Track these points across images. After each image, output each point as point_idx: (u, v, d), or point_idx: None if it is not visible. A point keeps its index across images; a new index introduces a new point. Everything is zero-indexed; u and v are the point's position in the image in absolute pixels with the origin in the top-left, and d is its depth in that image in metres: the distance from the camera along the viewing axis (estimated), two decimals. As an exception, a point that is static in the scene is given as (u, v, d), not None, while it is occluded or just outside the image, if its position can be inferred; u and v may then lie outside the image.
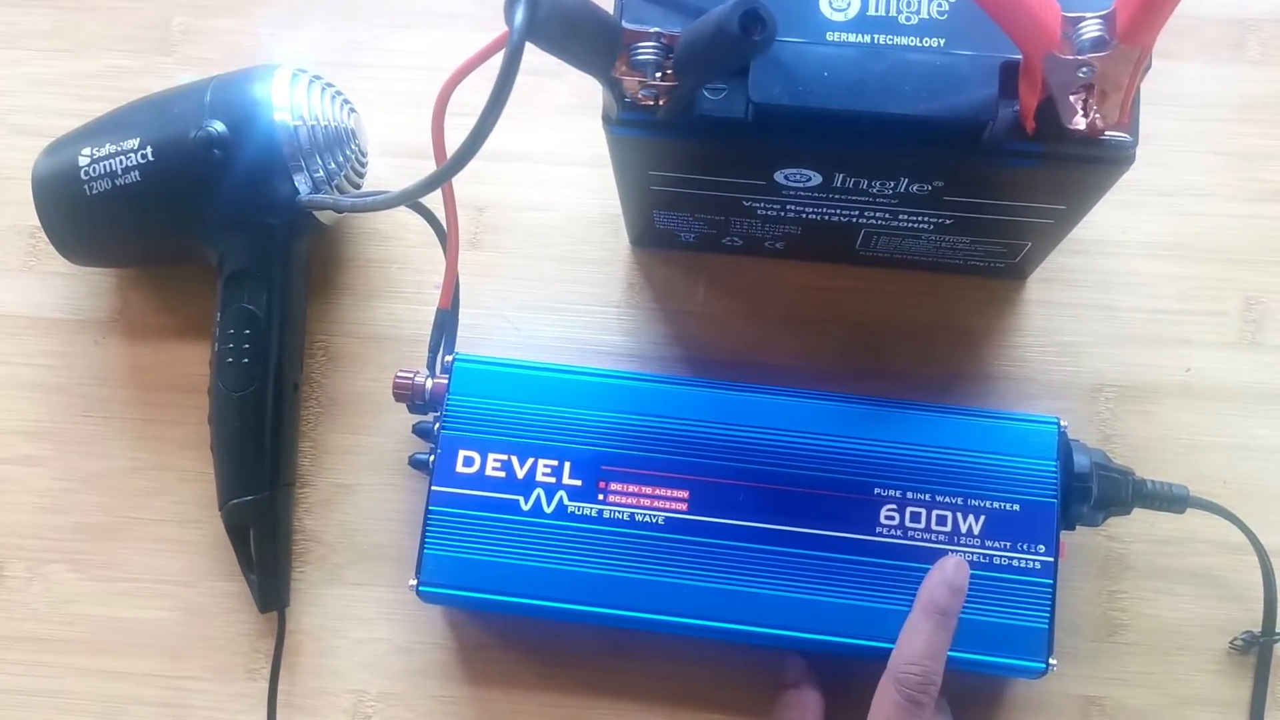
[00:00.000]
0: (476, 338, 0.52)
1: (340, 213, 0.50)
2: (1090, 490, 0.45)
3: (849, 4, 0.38)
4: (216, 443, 0.50)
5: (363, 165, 0.52)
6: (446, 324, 0.49)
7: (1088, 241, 0.52)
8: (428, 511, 0.46)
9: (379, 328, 0.54)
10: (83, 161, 0.48)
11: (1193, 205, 0.53)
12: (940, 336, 0.52)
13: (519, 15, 0.31)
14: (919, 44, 0.37)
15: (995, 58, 0.36)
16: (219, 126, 0.47)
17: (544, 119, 0.55)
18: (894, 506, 0.45)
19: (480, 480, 0.46)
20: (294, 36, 0.57)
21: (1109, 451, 0.48)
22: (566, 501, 0.46)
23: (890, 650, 0.43)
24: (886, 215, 0.44)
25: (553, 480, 0.46)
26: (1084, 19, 0.34)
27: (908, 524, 0.45)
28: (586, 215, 0.54)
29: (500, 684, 0.50)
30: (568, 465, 0.46)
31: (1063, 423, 0.46)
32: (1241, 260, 0.52)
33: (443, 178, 0.37)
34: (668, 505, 0.46)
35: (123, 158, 0.48)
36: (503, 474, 0.46)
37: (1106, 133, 0.37)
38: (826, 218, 0.45)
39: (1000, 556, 0.45)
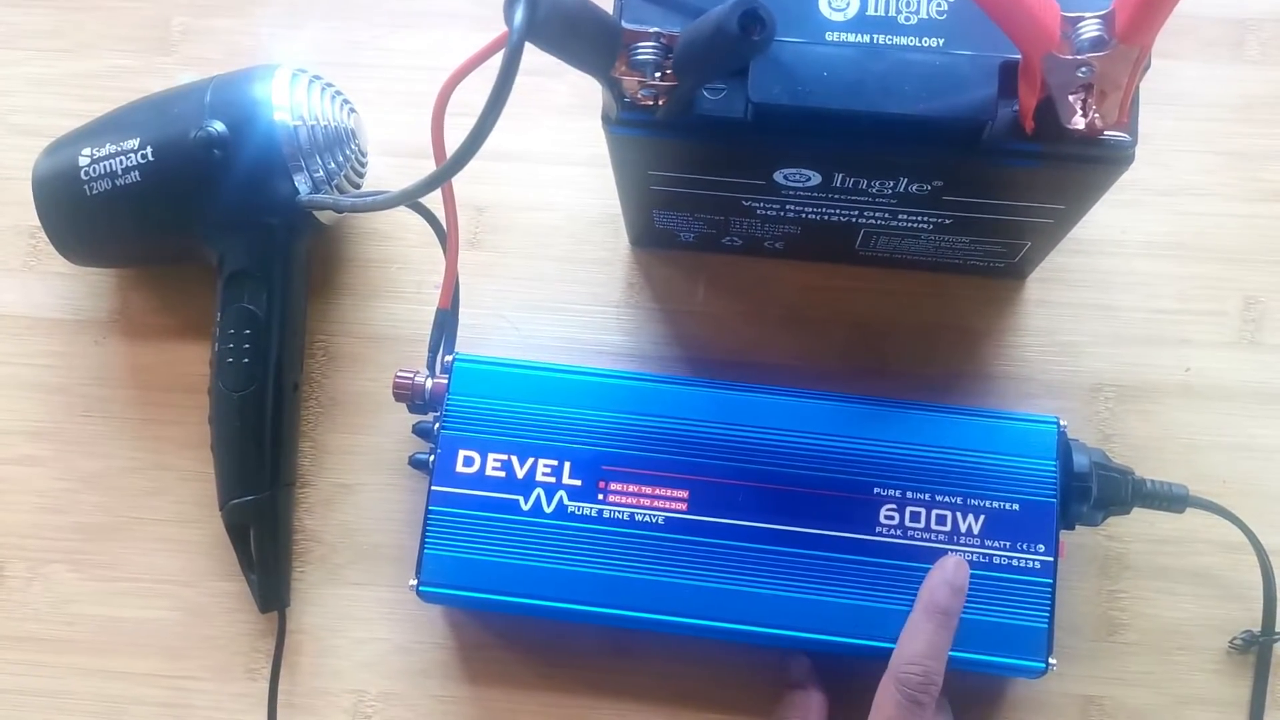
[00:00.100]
0: (476, 338, 0.52)
1: (340, 213, 0.50)
2: (1090, 490, 0.45)
3: (848, 4, 0.38)
4: (217, 443, 0.50)
5: (363, 165, 0.52)
6: (446, 324, 0.49)
7: (1087, 241, 0.52)
8: (428, 511, 0.46)
9: (379, 328, 0.54)
10: (83, 161, 0.48)
11: (1192, 205, 0.53)
12: (940, 336, 0.52)
13: (519, 15, 0.31)
14: (918, 44, 0.37)
15: (994, 57, 0.37)
16: (219, 126, 0.47)
17: (543, 119, 0.55)
18: (894, 506, 0.45)
19: (480, 480, 0.46)
20: (294, 36, 0.57)
21: (1109, 451, 0.48)
22: (566, 501, 0.46)
23: (889, 650, 0.43)
24: (886, 215, 0.44)
25: (553, 480, 0.46)
26: (1083, 19, 0.34)
27: (907, 523, 0.45)
28: (586, 215, 0.54)
29: (500, 684, 0.50)
30: (568, 465, 0.46)
31: (1062, 422, 0.46)
32: (1241, 260, 0.52)
33: (443, 178, 0.37)
34: (668, 505, 0.46)
35: (123, 158, 0.48)
36: (503, 474, 0.46)
37: (1106, 132, 0.37)
38: (826, 217, 0.45)
39: (1000, 556, 0.45)
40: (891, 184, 0.41)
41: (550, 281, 0.54)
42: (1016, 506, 0.45)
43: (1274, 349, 0.52)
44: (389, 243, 0.54)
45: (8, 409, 0.53)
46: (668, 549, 0.45)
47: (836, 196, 0.43)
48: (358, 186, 0.52)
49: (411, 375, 0.48)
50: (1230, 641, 0.49)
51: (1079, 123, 0.36)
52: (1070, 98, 0.35)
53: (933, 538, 0.45)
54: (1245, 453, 0.51)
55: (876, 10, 0.38)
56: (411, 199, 0.39)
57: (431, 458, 0.47)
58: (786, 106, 0.37)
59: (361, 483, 0.52)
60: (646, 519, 0.45)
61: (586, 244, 0.54)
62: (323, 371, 0.53)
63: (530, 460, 0.46)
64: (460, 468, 0.46)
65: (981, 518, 0.45)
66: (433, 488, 0.46)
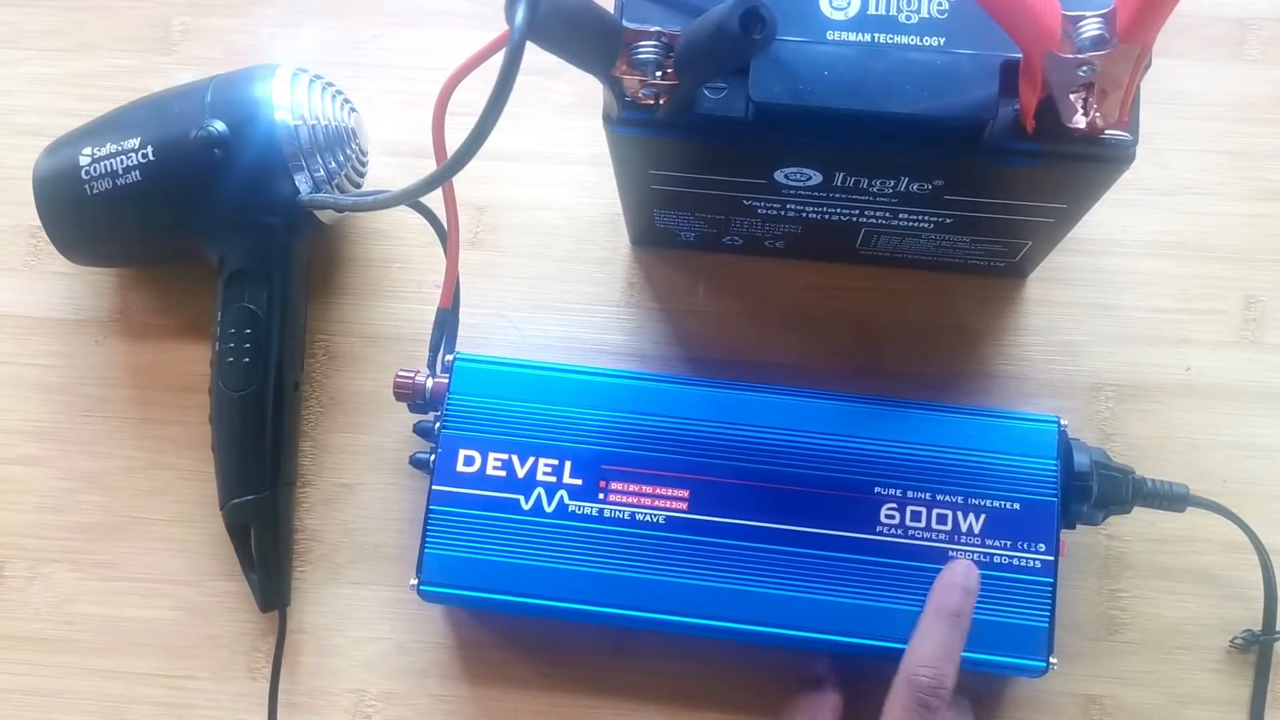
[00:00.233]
0: (477, 337, 0.52)
1: (340, 212, 0.50)
2: (1090, 489, 0.45)
3: (849, 3, 0.38)
4: (217, 442, 0.50)
5: (363, 165, 0.52)
6: (447, 323, 0.49)
7: (1087, 241, 0.52)
8: (428, 511, 0.46)
9: (379, 327, 0.54)
10: (84, 161, 0.48)
11: (1193, 204, 0.53)
12: (940, 336, 0.52)
13: (519, 14, 0.31)
14: (919, 43, 0.37)
15: (995, 57, 0.37)
16: (219, 126, 0.47)
17: (544, 118, 0.55)
18: (894, 505, 0.45)
19: (481, 479, 0.46)
20: (294, 36, 0.57)
21: (1109, 450, 0.48)
22: (567, 501, 0.46)
23: (890, 649, 0.43)
24: (887, 214, 0.44)
25: (553, 479, 0.46)
26: (1084, 18, 0.34)
27: (908, 523, 0.45)
28: (586, 215, 0.54)
29: (501, 683, 0.50)
30: (568, 464, 0.46)
31: (1063, 421, 0.46)
32: (1242, 259, 0.52)
33: (443, 177, 0.37)
34: (668, 504, 0.46)
35: (123, 157, 0.48)
36: (503, 473, 0.46)
37: (1106, 131, 0.37)
38: (827, 217, 0.45)
39: (1001, 555, 0.45)
40: (892, 183, 0.41)
41: (551, 281, 0.54)
42: (1017, 506, 0.45)
43: (1274, 348, 0.52)
44: (389, 242, 0.54)
45: (8, 409, 0.53)
46: (668, 548, 0.45)
47: (837, 196, 0.43)
48: (358, 186, 0.52)
49: (412, 375, 0.48)
50: (1231, 641, 0.49)
51: (1080, 122, 0.36)
52: (1071, 97, 0.35)
53: (933, 537, 0.45)
54: (1245, 452, 0.51)
55: (877, 9, 0.38)
56: (412, 198, 0.39)
57: (432, 457, 0.47)
58: (787, 106, 0.37)
59: (362, 482, 0.52)
60: (647, 518, 0.45)
61: (587, 243, 0.54)
62: (323, 371, 0.53)
63: (531, 459, 0.46)
64: (461, 467, 0.46)
65: (982, 517, 0.45)
66: (433, 487, 0.46)
